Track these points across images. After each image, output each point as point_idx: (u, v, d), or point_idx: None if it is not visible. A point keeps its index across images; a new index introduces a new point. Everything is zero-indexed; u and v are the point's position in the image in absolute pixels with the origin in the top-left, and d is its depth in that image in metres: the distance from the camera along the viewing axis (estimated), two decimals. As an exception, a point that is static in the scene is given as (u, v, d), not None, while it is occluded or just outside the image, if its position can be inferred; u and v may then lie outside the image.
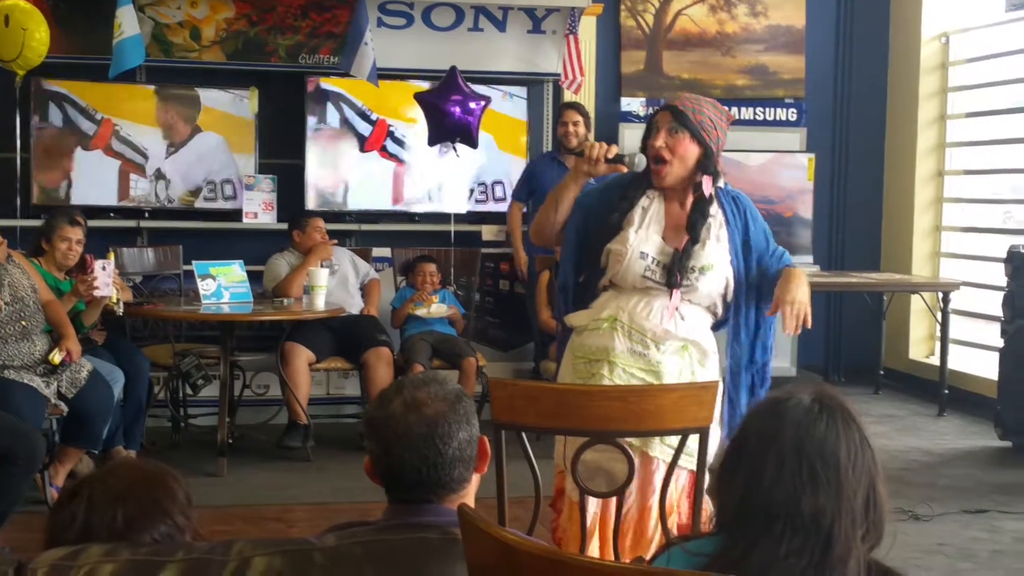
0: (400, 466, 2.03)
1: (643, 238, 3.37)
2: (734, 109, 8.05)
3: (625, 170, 3.43)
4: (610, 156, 3.38)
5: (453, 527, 1.93)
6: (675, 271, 3.33)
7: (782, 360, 7.87)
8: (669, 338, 3.31)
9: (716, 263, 3.39)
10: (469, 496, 2.09)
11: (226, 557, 1.89)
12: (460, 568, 1.87)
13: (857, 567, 1.75)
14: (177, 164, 7.23)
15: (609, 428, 2.76)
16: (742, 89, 8.19)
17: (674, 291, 3.33)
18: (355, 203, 7.47)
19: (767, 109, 8.26)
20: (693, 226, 3.39)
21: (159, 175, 7.18)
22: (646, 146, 3.43)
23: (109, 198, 7.15)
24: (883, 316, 8.17)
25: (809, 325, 3.29)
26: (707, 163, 3.40)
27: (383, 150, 7.45)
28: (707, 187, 3.42)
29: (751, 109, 8.21)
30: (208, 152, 7.28)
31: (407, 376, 2.33)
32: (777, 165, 8.04)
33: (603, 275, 3.42)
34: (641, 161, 3.40)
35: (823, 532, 1.72)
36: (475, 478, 2.12)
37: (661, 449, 3.21)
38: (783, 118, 8.31)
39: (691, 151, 3.38)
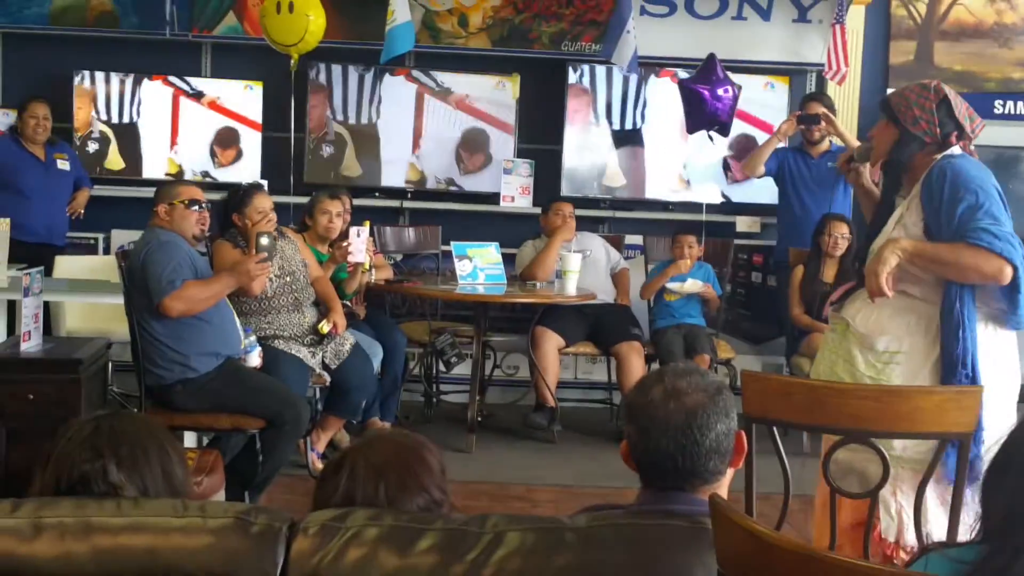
0: (656, 453, 2.05)
1: None
2: (1009, 103, 7.71)
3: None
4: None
5: (703, 517, 1.94)
6: None
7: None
8: None
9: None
10: (722, 488, 2.10)
11: (482, 530, 1.96)
12: (708, 558, 1.89)
13: None
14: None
15: (862, 427, 2.70)
16: (1019, 83, 7.80)
17: None
18: (608, 190, 7.52)
19: (1045, 104, 7.86)
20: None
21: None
22: None
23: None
24: None
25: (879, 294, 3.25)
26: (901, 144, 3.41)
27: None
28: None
29: (1028, 104, 7.82)
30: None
31: (669, 365, 2.35)
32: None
33: None
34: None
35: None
36: (729, 472, 2.12)
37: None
38: (1062, 114, 7.89)
39: (885, 135, 3.45)
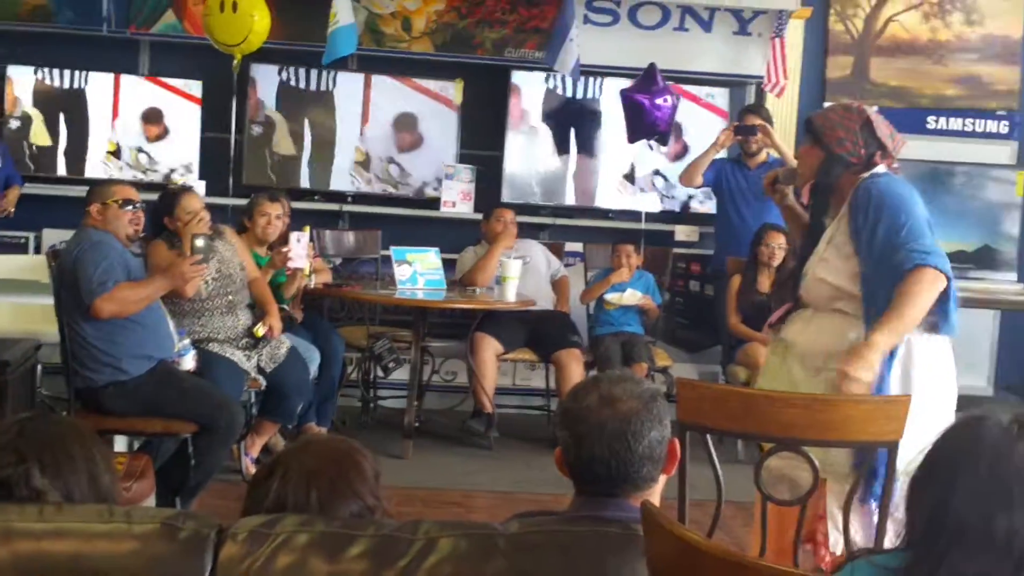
0: (590, 459, 2.06)
1: None
2: (942, 119, 7.83)
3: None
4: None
5: (635, 523, 1.95)
6: None
7: (978, 379, 7.63)
8: None
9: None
10: (655, 495, 2.11)
11: (414, 536, 1.95)
12: (639, 565, 1.89)
13: (1047, 592, 1.71)
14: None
15: (792, 435, 2.73)
16: (952, 99, 7.93)
17: None
18: (549, 197, 7.54)
19: (977, 121, 7.98)
20: None
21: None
22: None
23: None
24: (1092, 339, 7.81)
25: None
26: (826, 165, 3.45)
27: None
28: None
29: (960, 120, 7.94)
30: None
31: (604, 372, 2.37)
32: (983, 178, 7.78)
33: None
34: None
35: (1015, 553, 1.68)
36: (662, 479, 2.13)
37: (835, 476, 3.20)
38: (994, 130, 8.02)
39: (810, 156, 3.49)
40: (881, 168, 3.40)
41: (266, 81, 7.32)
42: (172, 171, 7.26)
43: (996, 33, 7.98)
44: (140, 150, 7.29)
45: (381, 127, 7.45)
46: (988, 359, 7.76)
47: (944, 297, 3.26)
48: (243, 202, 6.18)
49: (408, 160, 7.49)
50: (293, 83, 7.35)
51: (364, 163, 7.43)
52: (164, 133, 7.31)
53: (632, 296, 6.65)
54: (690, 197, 7.53)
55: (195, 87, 7.28)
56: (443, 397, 7.07)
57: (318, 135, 7.39)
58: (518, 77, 7.45)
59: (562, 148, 7.54)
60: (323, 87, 7.38)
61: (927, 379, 3.30)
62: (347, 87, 7.41)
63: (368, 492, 2.14)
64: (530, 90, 7.48)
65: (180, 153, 7.27)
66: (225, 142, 7.22)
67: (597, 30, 7.41)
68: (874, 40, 7.93)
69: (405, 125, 7.48)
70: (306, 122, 7.38)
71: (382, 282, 6.65)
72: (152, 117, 7.32)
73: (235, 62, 6.76)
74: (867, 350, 3.18)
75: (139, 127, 7.30)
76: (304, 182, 7.38)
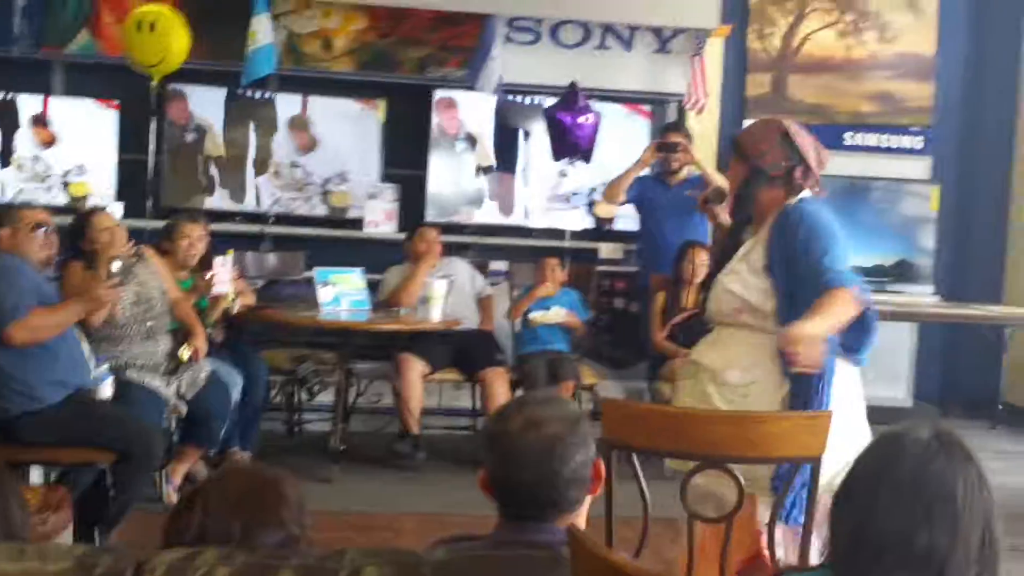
0: (515, 483, 2.05)
1: None
2: (858, 135, 7.96)
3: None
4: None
5: (562, 547, 1.94)
6: None
7: (897, 390, 7.74)
8: None
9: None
10: (580, 516, 2.10)
11: (338, 565, 1.92)
12: (566, 588, 1.88)
13: (967, 605, 1.72)
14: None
15: (718, 453, 2.74)
16: (867, 115, 8.07)
17: None
18: (473, 216, 7.54)
19: (892, 136, 8.13)
20: None
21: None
22: None
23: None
24: (1004, 350, 7.96)
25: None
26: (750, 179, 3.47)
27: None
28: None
29: (875, 136, 8.09)
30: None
31: (528, 393, 2.36)
32: (900, 192, 7.93)
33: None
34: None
35: (935, 568, 1.70)
36: (587, 499, 2.12)
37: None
38: (908, 146, 8.17)
39: (737, 172, 3.51)
40: (807, 192, 3.43)
41: (196, 94, 7.28)
42: (67, 172, 7.17)
43: (909, 51, 8.14)
44: (36, 158, 7.18)
45: (281, 133, 7.46)
46: (907, 371, 7.88)
47: (867, 328, 3.29)
48: (162, 224, 6.10)
49: (308, 161, 7.49)
50: (231, 96, 7.34)
51: (275, 172, 7.40)
52: (54, 139, 7.22)
53: (557, 314, 6.65)
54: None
55: (110, 109, 7.19)
56: (369, 419, 7.01)
57: (241, 149, 7.38)
58: (442, 95, 7.45)
59: (486, 166, 7.54)
60: (260, 100, 7.37)
61: (844, 401, 3.32)
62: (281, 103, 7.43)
63: (292, 521, 2.10)
64: (454, 109, 7.47)
65: (72, 157, 7.18)
66: (143, 164, 7.13)
67: (520, 49, 7.45)
68: (792, 58, 8.04)
69: (299, 126, 7.47)
70: (238, 135, 7.35)
71: (305, 304, 6.57)
72: (40, 121, 7.23)
73: (153, 82, 6.68)
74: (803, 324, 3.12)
75: (31, 134, 7.20)
76: (229, 194, 7.37)
